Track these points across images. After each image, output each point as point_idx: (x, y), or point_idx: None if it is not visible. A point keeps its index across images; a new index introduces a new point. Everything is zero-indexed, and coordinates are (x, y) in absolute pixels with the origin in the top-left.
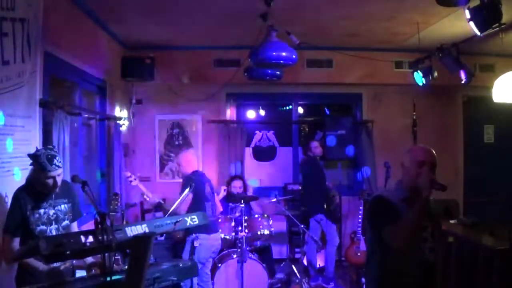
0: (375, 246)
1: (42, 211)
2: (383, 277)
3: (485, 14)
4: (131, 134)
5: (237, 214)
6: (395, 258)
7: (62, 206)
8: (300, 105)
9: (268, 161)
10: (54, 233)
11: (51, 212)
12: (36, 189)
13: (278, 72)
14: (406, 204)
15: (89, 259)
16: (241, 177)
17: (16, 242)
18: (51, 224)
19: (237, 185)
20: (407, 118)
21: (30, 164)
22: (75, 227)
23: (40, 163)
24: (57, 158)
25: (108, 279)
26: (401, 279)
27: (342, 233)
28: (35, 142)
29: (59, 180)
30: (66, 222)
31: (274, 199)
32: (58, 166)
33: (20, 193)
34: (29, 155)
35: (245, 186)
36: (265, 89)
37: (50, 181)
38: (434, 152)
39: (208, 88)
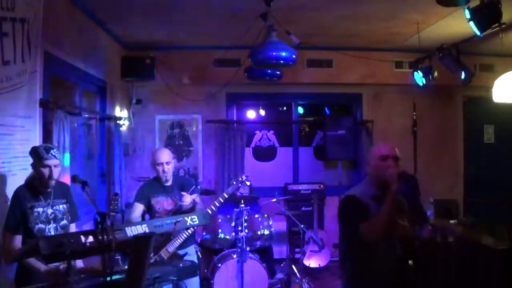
0: (349, 245)
1: (40, 209)
2: (357, 274)
3: (485, 14)
4: (131, 134)
5: (245, 217)
6: (368, 255)
7: (61, 206)
8: (300, 105)
9: (268, 161)
10: (52, 232)
11: (49, 211)
12: (35, 187)
13: (278, 72)
14: (376, 201)
15: (80, 264)
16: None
17: (18, 240)
18: (49, 223)
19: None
20: (407, 118)
21: (31, 164)
22: (73, 230)
23: (37, 152)
24: (54, 150)
25: (108, 279)
26: (375, 275)
27: None
28: (35, 142)
29: (55, 172)
30: (64, 221)
31: (274, 199)
32: (55, 156)
33: (19, 191)
34: (30, 152)
35: (251, 188)
36: (265, 89)
37: (46, 170)
38: (395, 147)
39: (208, 88)
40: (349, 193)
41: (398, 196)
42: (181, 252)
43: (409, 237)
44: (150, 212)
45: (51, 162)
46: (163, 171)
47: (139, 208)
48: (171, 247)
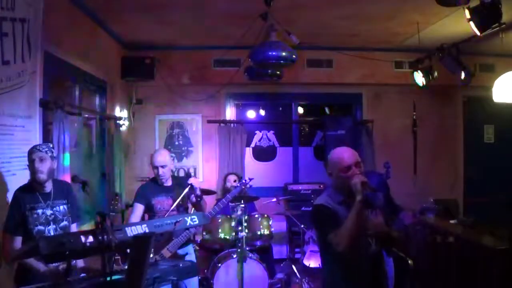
0: (325, 249)
1: (40, 211)
2: (337, 276)
3: (485, 14)
4: (131, 134)
5: (239, 212)
6: (346, 256)
7: (61, 207)
8: (300, 105)
9: (268, 161)
10: (52, 233)
11: (49, 212)
12: (34, 189)
13: (278, 72)
14: (344, 205)
15: (80, 263)
16: (235, 173)
17: (18, 241)
18: (49, 225)
19: (231, 179)
20: (407, 118)
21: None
22: (74, 230)
23: (28, 152)
24: (42, 145)
25: (108, 279)
26: (354, 274)
27: None
28: (35, 142)
29: (42, 166)
30: (64, 223)
31: (274, 199)
32: (39, 150)
33: (19, 192)
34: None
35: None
36: (265, 89)
37: (32, 165)
38: (354, 150)
39: (208, 88)
40: (317, 202)
41: (372, 194)
42: (181, 251)
43: (385, 233)
44: (150, 212)
45: (35, 155)
46: (159, 174)
47: (139, 209)
48: (172, 247)
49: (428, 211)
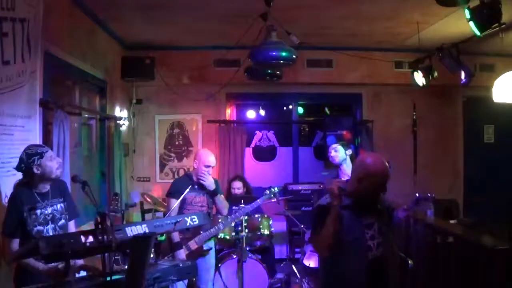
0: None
1: (38, 211)
2: (332, 278)
3: (485, 14)
4: (131, 134)
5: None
6: (342, 259)
7: (58, 205)
8: (300, 105)
9: (268, 161)
10: (51, 232)
11: (47, 211)
12: (32, 189)
13: (278, 72)
14: (350, 210)
15: (79, 261)
16: (241, 177)
17: (16, 243)
18: (47, 224)
19: (235, 186)
20: (407, 118)
21: (27, 167)
22: (72, 227)
23: (36, 151)
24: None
25: (108, 279)
26: (349, 278)
27: None
28: (35, 142)
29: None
30: (62, 221)
31: (274, 199)
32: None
33: (16, 194)
34: (25, 157)
35: (247, 186)
36: (265, 89)
37: (53, 163)
38: (385, 163)
39: (208, 88)
40: (320, 202)
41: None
42: (206, 246)
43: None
44: (181, 205)
45: (52, 153)
46: (208, 173)
47: (173, 203)
48: (200, 240)
49: (423, 201)
